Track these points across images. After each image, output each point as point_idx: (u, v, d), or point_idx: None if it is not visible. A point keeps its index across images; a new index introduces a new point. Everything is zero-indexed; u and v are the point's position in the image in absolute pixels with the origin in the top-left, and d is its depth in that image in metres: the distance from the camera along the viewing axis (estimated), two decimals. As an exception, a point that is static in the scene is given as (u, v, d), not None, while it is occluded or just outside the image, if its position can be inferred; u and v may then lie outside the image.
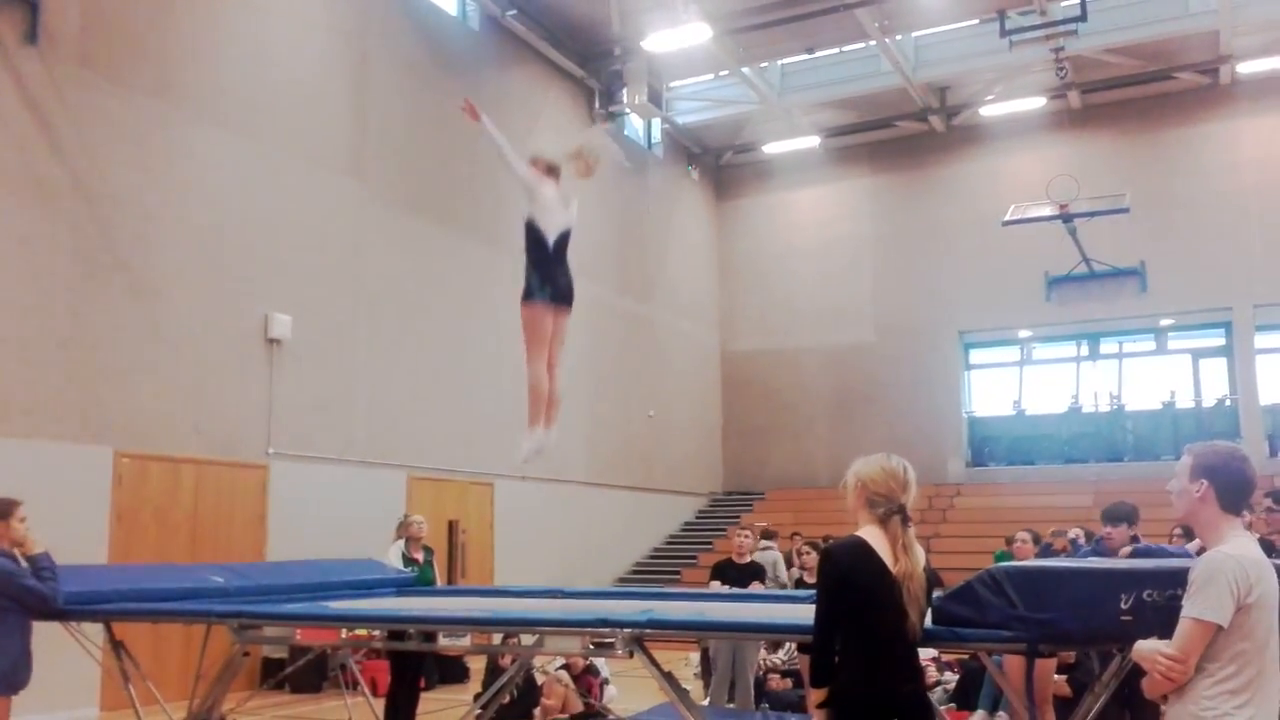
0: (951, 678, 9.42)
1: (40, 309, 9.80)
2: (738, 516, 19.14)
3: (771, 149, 21.77)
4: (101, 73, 10.47)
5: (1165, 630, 3.02)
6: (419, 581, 8.11)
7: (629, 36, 17.26)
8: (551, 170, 5.88)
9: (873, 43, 18.10)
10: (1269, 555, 3.13)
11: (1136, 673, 3.12)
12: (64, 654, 6.22)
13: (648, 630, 4.58)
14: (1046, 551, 9.19)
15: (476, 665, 11.33)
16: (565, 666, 9.17)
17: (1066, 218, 17.22)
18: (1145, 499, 8.97)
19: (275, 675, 10.74)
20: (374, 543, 9.39)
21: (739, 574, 9.16)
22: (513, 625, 5.24)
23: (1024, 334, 21.10)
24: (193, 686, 6.23)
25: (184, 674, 8.74)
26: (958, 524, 18.06)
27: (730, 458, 22.56)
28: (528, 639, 5.11)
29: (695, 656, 11.42)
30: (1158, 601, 3.46)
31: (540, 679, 9.21)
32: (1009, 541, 9.93)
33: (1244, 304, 18.88)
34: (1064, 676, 7.88)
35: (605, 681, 9.74)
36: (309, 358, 12.43)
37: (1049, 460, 20.31)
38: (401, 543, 8.74)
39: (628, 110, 18.83)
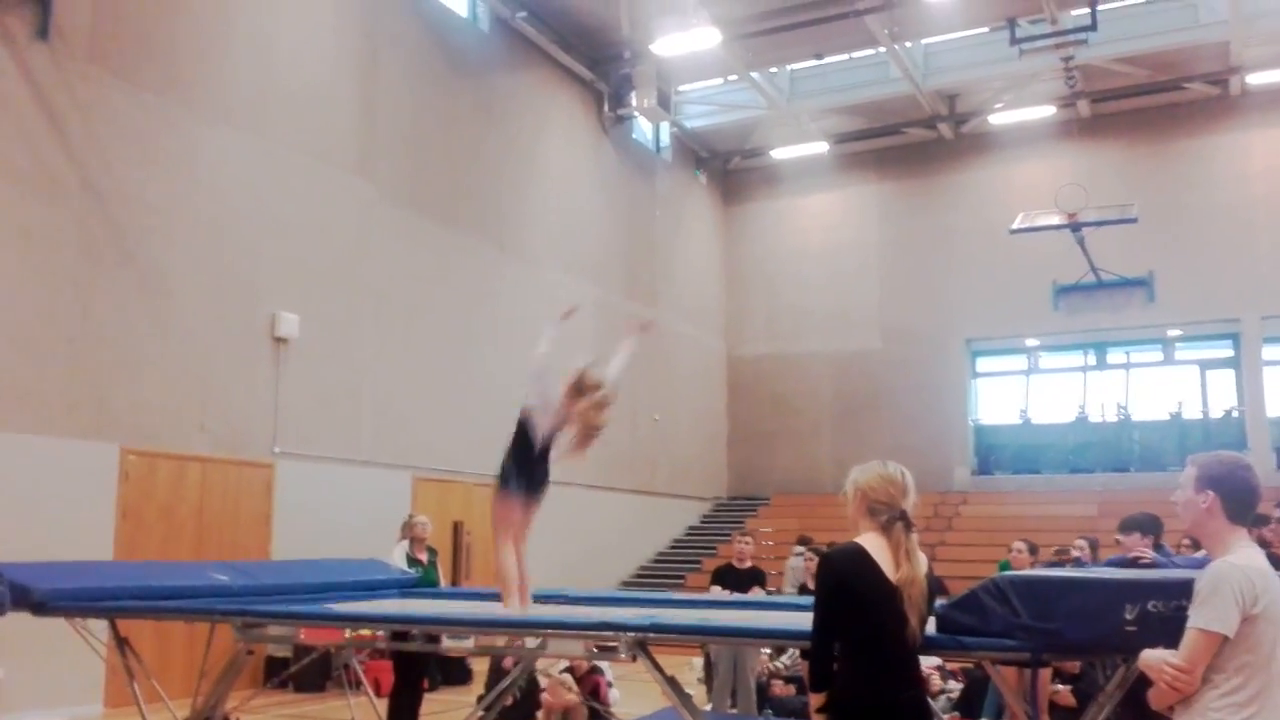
0: (955, 686, 9.41)
1: (47, 305, 9.81)
2: (742, 522, 19.17)
3: (779, 154, 21.77)
4: (111, 69, 10.50)
5: (1171, 641, 3.01)
6: (423, 582, 8.09)
7: (638, 40, 17.30)
8: (579, 390, 5.69)
9: (882, 49, 18.08)
10: (1276, 567, 3.12)
11: (1145, 683, 3.11)
12: (68, 651, 6.23)
13: (651, 634, 4.59)
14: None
15: (480, 667, 11.34)
16: (569, 669, 9.16)
17: (1074, 227, 17.17)
18: (1151, 510, 8.89)
19: (279, 674, 10.77)
20: (378, 543, 9.38)
21: (739, 579, 9.21)
22: (516, 628, 5.24)
23: (1031, 342, 21.06)
24: (197, 684, 6.25)
25: (188, 672, 8.76)
26: (963, 532, 18.02)
27: (735, 463, 22.51)
28: (531, 641, 5.12)
29: (699, 661, 11.41)
30: (1163, 612, 3.45)
31: (543, 681, 9.19)
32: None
33: (1252, 315, 18.85)
34: (1068, 687, 7.88)
35: (609, 684, 9.71)
36: (316, 357, 12.44)
37: (1055, 469, 20.25)
38: (406, 543, 8.73)
39: (636, 113, 18.87)
